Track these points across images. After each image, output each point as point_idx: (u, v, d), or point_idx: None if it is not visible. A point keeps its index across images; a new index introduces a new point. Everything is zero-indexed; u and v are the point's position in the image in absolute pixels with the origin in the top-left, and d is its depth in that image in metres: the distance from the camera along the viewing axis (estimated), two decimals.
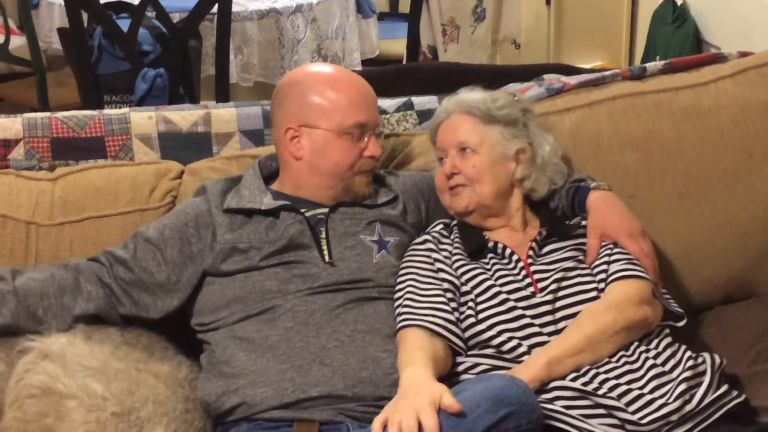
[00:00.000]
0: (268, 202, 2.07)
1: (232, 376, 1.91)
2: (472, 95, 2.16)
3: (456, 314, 1.94)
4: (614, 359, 1.85)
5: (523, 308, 1.92)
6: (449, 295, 1.97)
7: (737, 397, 1.84)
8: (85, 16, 3.63)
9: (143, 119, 2.35)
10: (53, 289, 1.98)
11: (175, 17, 3.77)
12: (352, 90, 2.10)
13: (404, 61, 4.49)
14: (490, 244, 2.05)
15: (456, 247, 2.07)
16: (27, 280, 1.98)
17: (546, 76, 2.64)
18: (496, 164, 2.08)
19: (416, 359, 1.82)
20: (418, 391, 1.68)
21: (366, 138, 2.09)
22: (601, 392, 1.78)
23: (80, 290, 2.00)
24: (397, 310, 1.96)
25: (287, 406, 1.84)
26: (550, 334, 1.89)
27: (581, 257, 2.01)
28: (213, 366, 1.96)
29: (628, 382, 1.80)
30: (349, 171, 2.09)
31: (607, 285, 1.94)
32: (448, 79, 2.76)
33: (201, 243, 2.04)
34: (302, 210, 2.07)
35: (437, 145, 2.16)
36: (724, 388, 1.83)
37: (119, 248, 2.06)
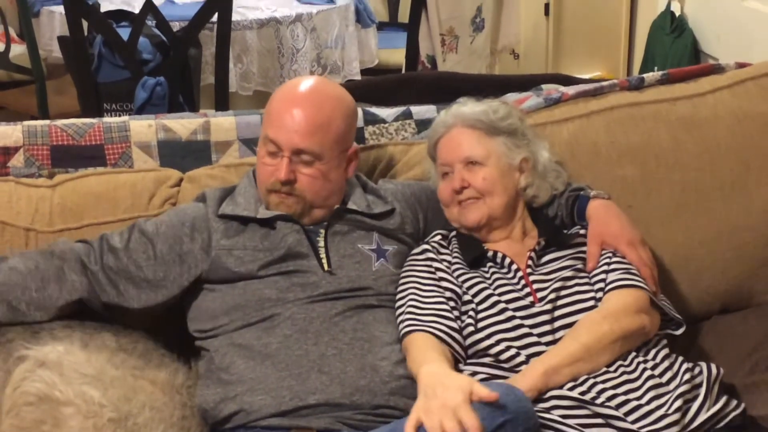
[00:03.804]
0: (263, 211, 2.07)
1: (230, 383, 1.91)
2: (470, 107, 2.14)
3: (458, 322, 1.95)
4: (612, 369, 1.85)
5: (522, 318, 1.92)
6: (452, 303, 1.97)
7: (735, 408, 1.84)
8: (85, 24, 3.64)
9: (143, 127, 2.35)
10: (36, 283, 1.97)
11: (175, 26, 3.79)
12: (281, 106, 2.06)
13: (403, 71, 4.49)
14: (490, 254, 2.05)
15: (455, 257, 2.07)
16: (9, 273, 1.97)
17: (544, 86, 2.64)
18: (504, 175, 2.08)
19: (430, 358, 1.83)
20: (446, 388, 1.65)
21: (280, 158, 2.03)
22: (598, 401, 1.78)
23: (64, 280, 1.99)
24: (400, 318, 1.97)
25: (285, 413, 1.84)
26: (548, 343, 1.89)
27: (580, 266, 2.01)
28: (211, 373, 1.96)
29: (626, 392, 1.80)
30: (263, 185, 2.07)
31: (604, 294, 1.94)
32: (446, 88, 2.77)
33: (193, 244, 2.04)
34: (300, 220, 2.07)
35: (440, 161, 2.13)
36: (723, 400, 1.83)
37: (116, 234, 2.06)
